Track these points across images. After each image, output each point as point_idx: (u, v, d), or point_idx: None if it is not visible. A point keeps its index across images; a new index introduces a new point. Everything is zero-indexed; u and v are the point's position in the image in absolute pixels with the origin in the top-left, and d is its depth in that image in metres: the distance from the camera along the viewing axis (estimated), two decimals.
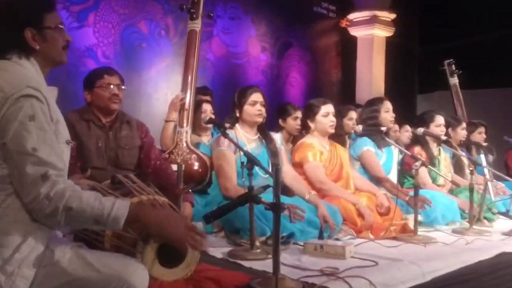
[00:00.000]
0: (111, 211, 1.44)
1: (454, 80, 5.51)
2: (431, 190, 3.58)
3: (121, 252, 1.64)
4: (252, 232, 2.38)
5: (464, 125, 4.44)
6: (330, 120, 3.25)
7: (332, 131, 3.28)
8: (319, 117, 3.25)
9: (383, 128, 3.28)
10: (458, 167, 4.25)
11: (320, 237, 2.62)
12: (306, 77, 6.54)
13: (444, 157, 4.12)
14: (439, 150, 4.10)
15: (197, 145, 3.37)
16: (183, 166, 2.64)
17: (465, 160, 4.22)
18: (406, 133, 4.93)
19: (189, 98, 3.36)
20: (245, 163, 2.39)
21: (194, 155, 3.17)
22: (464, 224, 3.51)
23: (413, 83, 8.00)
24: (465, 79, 5.84)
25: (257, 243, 2.37)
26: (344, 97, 6.63)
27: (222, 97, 5.07)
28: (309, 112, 3.29)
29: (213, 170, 3.03)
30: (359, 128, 3.36)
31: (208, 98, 3.84)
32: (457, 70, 5.47)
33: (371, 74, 6.61)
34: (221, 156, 2.88)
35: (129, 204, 1.45)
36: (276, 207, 1.74)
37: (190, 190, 2.61)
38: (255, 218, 2.42)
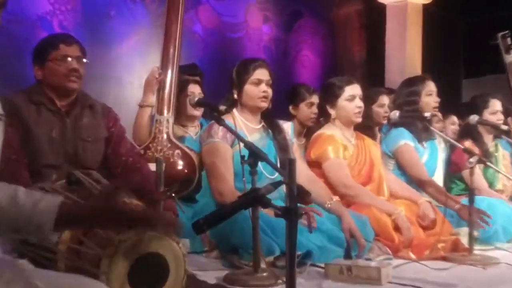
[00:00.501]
0: (33, 209, 1.35)
1: (510, 58, 5.39)
2: (488, 197, 3.53)
3: (80, 273, 1.53)
4: (256, 250, 2.30)
5: None
6: (357, 106, 3.22)
7: (359, 119, 3.26)
8: (342, 101, 3.23)
9: (427, 114, 3.19)
10: None
11: (347, 256, 2.58)
12: (321, 55, 6.54)
13: (502, 154, 4.10)
14: (496, 145, 4.08)
15: (181, 138, 3.37)
16: (164, 164, 2.54)
17: None
18: (452, 126, 4.86)
19: (170, 77, 3.33)
20: (246, 158, 2.31)
21: (177, 151, 3.16)
22: None
23: (457, 64, 7.94)
24: None
25: (263, 265, 2.32)
26: (370, 81, 6.53)
27: (213, 81, 5.01)
28: (329, 95, 3.27)
29: (202, 170, 3.03)
30: (395, 114, 3.29)
31: (196, 78, 3.78)
32: None
33: (404, 52, 6.52)
34: (213, 150, 2.85)
35: (60, 201, 1.36)
36: (291, 213, 1.63)
37: (173, 195, 2.48)
38: (260, 231, 2.35)
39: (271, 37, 6.02)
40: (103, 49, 4.64)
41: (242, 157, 2.33)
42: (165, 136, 3.19)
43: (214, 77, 5.02)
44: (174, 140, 3.21)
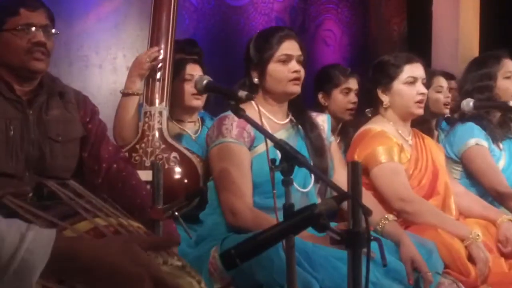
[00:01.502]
0: (16, 250, 1.21)
1: None
2: None
3: None
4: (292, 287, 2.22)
5: None
6: (419, 92, 3.21)
7: (421, 111, 3.24)
8: (399, 84, 3.23)
9: None
10: None
11: None
12: (349, 30, 6.54)
13: None
14: None
15: (178, 137, 3.40)
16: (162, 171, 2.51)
17: None
18: None
19: (164, 56, 3.35)
20: (277, 163, 2.21)
21: (174, 154, 3.18)
22: None
23: None
24: None
25: None
26: None
27: (210, 63, 4.98)
28: (382, 76, 3.26)
29: (208, 180, 3.01)
30: (469, 103, 3.23)
31: (195, 57, 3.81)
32: None
33: (458, 27, 6.51)
34: (226, 153, 2.82)
35: (55, 235, 1.23)
36: (358, 239, 1.59)
37: (176, 214, 2.43)
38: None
39: (285, 5, 6.01)
40: (64, 23, 4.51)
41: (273, 161, 2.22)
42: (157, 134, 3.22)
43: (211, 58, 5.00)
44: (169, 139, 3.22)
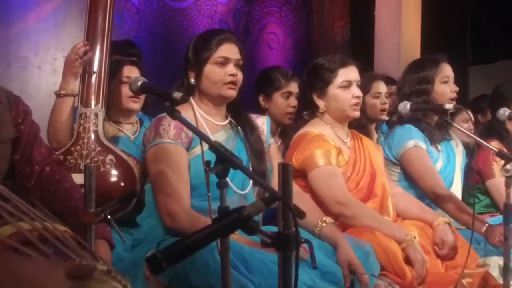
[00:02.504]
0: None
1: None
2: None
3: None
4: None
5: None
6: (354, 95, 3.23)
7: (357, 113, 3.26)
8: (334, 88, 3.24)
9: (449, 106, 3.16)
10: None
11: None
12: (293, 33, 6.58)
13: None
14: None
15: (114, 139, 3.38)
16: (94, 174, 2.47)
17: None
18: (465, 124, 4.85)
19: (100, 57, 3.29)
20: (212, 164, 2.18)
21: (110, 156, 3.14)
22: None
23: (464, 48, 8.04)
24: None
25: None
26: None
27: (153, 65, 4.94)
28: (317, 81, 3.27)
29: (145, 182, 2.98)
30: (406, 106, 3.26)
31: (133, 59, 3.78)
32: None
33: (399, 31, 6.56)
34: (163, 154, 2.78)
35: None
36: (289, 241, 1.58)
37: (109, 217, 2.38)
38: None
39: (229, 7, 6.05)
40: (1, 23, 4.60)
41: (207, 163, 2.20)
42: (92, 136, 3.17)
43: (153, 60, 4.97)
44: (105, 141, 3.17)
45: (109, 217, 2.38)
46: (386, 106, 4.06)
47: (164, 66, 5.26)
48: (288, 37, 6.51)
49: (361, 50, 6.86)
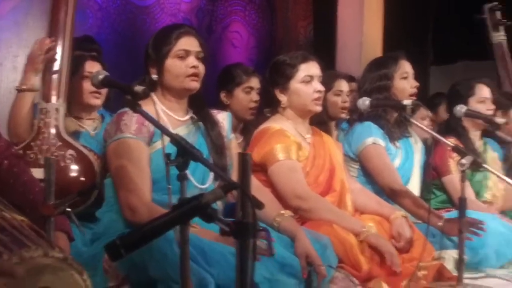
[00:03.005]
0: None
1: (499, 37, 5.53)
2: (476, 211, 3.56)
3: None
4: (186, 284, 2.15)
5: None
6: (315, 90, 3.23)
7: (318, 108, 3.27)
8: (295, 83, 3.25)
9: (407, 102, 3.19)
10: None
11: None
12: (256, 32, 6.57)
13: (491, 157, 4.19)
14: (485, 144, 4.19)
15: (75, 134, 3.36)
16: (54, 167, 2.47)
17: None
18: (423, 121, 4.93)
19: (62, 52, 3.27)
20: (173, 157, 2.18)
21: (70, 151, 3.14)
22: None
23: (425, 48, 8.12)
24: None
25: None
26: None
27: (115, 63, 4.93)
28: (279, 76, 3.28)
29: (105, 177, 2.95)
30: (365, 102, 3.29)
31: (94, 54, 3.74)
32: (505, 21, 5.48)
33: (361, 31, 6.58)
34: (123, 149, 2.76)
35: None
36: (247, 230, 1.62)
37: (68, 210, 2.40)
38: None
39: (192, 6, 6.00)
40: None
41: (168, 155, 2.20)
42: (53, 131, 3.15)
43: (114, 59, 4.94)
44: (66, 137, 3.16)
45: (68, 209, 2.41)
46: (347, 104, 4.10)
47: (126, 63, 5.20)
48: (251, 36, 6.48)
49: (324, 49, 6.82)
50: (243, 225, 1.69)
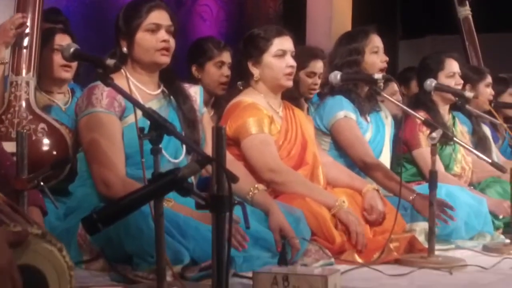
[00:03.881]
0: None
1: (466, 11, 5.59)
2: (446, 184, 3.60)
3: None
4: (161, 257, 2.17)
5: (489, 79, 4.59)
6: (288, 64, 3.23)
7: (290, 83, 3.27)
8: (268, 57, 3.25)
9: (378, 76, 3.21)
10: (481, 148, 4.31)
11: (283, 261, 2.49)
12: (225, 5, 6.55)
13: (460, 130, 4.23)
14: (454, 118, 4.22)
15: (45, 109, 3.34)
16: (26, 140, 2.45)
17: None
18: (393, 96, 4.94)
19: (32, 24, 3.24)
20: (146, 131, 2.19)
21: (42, 125, 3.13)
22: (497, 237, 3.67)
23: (394, 23, 8.17)
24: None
25: (169, 277, 2.30)
26: None
27: (84, 35, 4.86)
28: (252, 49, 3.27)
29: (77, 151, 2.95)
30: (336, 76, 3.29)
31: (64, 27, 3.74)
32: None
33: (331, 6, 6.62)
34: (95, 123, 2.76)
35: None
36: (223, 203, 1.63)
37: (42, 184, 2.39)
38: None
39: None
40: None
41: (141, 129, 2.20)
42: (24, 104, 3.14)
43: (84, 30, 4.88)
44: (37, 110, 3.15)
45: (42, 184, 2.39)
46: (317, 87, 4.06)
47: (95, 35, 5.15)
48: (221, 9, 6.44)
49: (293, 23, 6.81)
50: (219, 198, 1.69)
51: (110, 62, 2.35)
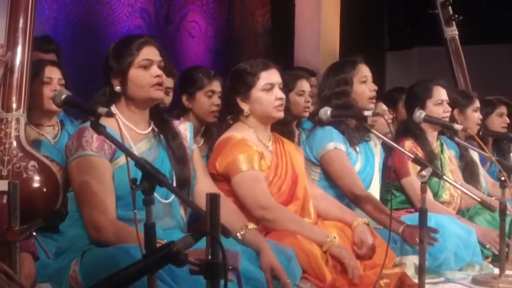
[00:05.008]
0: None
1: (452, 31, 5.62)
2: (434, 214, 3.58)
3: None
4: None
5: (477, 103, 4.57)
6: (277, 97, 3.23)
7: (281, 114, 3.27)
8: (257, 92, 3.25)
9: (368, 113, 3.23)
10: (469, 173, 4.34)
11: None
12: (214, 21, 6.54)
13: (448, 156, 4.22)
14: (442, 145, 4.21)
15: (36, 142, 3.36)
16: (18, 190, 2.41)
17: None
18: (384, 116, 4.94)
19: (21, 58, 3.24)
20: (138, 182, 2.16)
21: (33, 162, 3.12)
22: (486, 267, 3.65)
23: (381, 34, 8.19)
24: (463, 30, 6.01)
25: None
26: (275, 57, 6.62)
27: (72, 55, 4.84)
28: (240, 85, 3.26)
29: (68, 190, 2.93)
30: (327, 112, 3.30)
31: (52, 57, 3.79)
32: (456, 16, 5.57)
33: (319, 20, 6.62)
34: (86, 166, 2.74)
35: None
36: (216, 270, 1.59)
37: (34, 234, 2.36)
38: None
39: None
40: None
41: (133, 181, 2.17)
42: (14, 142, 3.14)
43: (71, 50, 4.88)
44: (27, 147, 3.15)
45: (34, 233, 2.37)
46: (309, 104, 4.12)
47: (83, 55, 5.13)
48: (209, 25, 6.44)
49: (282, 38, 6.87)
50: (213, 265, 1.68)
51: (102, 110, 2.34)
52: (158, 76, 2.82)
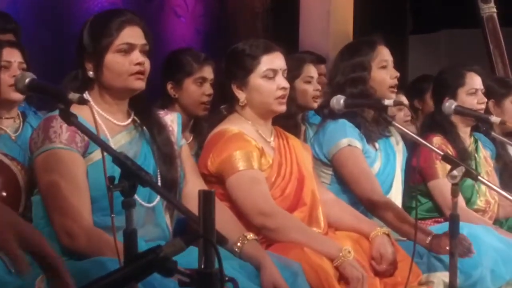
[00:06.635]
0: None
1: (490, 9, 5.62)
2: (468, 223, 3.59)
3: None
4: None
5: None
6: (279, 86, 3.24)
7: (283, 108, 3.28)
8: (256, 78, 3.25)
9: (388, 102, 3.21)
10: (507, 176, 4.36)
11: None
12: (204, 1, 6.57)
13: (484, 156, 4.24)
14: (476, 142, 4.23)
15: None
16: None
17: None
18: (401, 112, 4.98)
19: None
20: (116, 181, 2.18)
21: None
22: None
23: (403, 16, 8.22)
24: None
25: None
26: (277, 41, 6.59)
27: (35, 35, 4.88)
28: (237, 69, 3.28)
29: (33, 193, 2.95)
30: (339, 101, 3.30)
31: (10, 37, 3.82)
32: None
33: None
34: (54, 162, 2.76)
35: None
36: (210, 281, 1.61)
37: None
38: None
39: None
40: None
41: (110, 179, 2.19)
42: None
43: (35, 30, 4.91)
44: None
45: None
46: (318, 93, 4.13)
47: (47, 36, 5.19)
48: (198, 3, 6.50)
49: (285, 18, 6.91)
50: (207, 275, 1.69)
51: (74, 96, 2.34)
52: (139, 63, 2.83)
